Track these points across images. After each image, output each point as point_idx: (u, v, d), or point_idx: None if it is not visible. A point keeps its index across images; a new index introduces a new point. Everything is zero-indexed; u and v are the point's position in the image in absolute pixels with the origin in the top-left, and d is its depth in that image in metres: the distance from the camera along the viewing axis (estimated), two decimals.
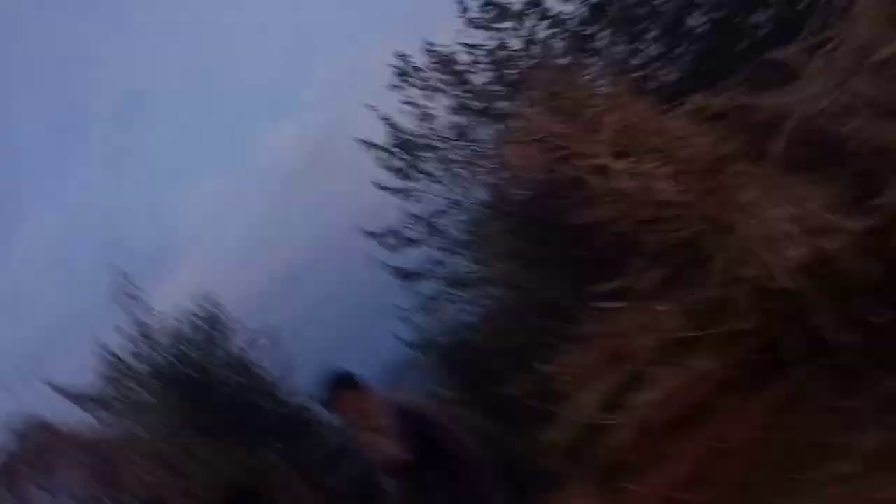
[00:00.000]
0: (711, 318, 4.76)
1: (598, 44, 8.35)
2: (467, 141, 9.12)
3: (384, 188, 9.58)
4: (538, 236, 7.13)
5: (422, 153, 9.44)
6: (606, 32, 8.32)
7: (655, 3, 8.20)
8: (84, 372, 10.15)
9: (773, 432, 4.46)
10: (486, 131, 8.83)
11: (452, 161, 9.21)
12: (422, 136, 9.42)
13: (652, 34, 8.18)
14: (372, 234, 9.70)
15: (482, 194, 8.42)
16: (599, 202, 5.61)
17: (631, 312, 5.54)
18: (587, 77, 6.46)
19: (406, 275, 9.94)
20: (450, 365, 10.78)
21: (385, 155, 9.55)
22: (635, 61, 8.23)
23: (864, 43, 4.62)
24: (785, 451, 4.30)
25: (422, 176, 9.48)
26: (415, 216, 9.65)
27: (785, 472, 4.17)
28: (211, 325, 11.58)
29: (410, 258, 9.83)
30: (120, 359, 10.57)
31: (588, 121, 5.70)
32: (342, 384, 3.74)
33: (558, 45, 8.49)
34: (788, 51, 5.13)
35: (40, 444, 7.52)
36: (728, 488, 4.42)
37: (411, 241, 9.75)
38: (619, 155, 5.62)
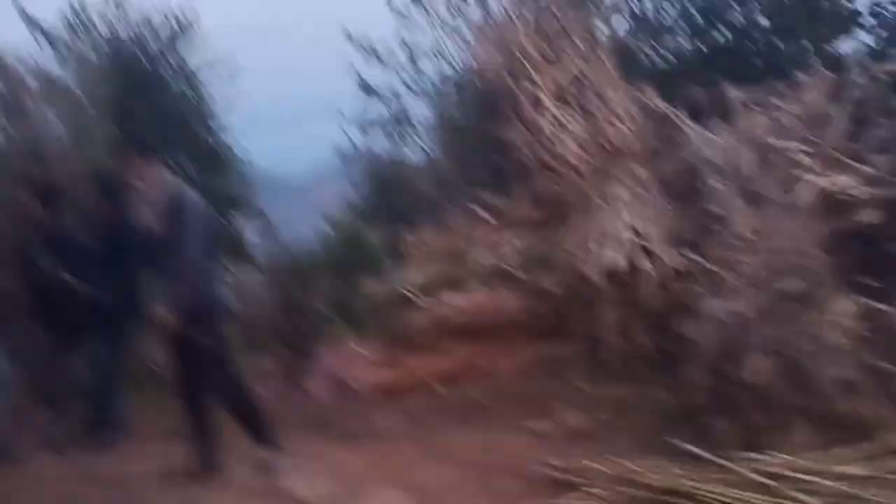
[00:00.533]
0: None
1: None
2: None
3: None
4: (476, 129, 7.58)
5: None
6: None
7: None
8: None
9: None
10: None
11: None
12: None
13: None
14: (356, 41, 9.88)
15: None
16: (518, 125, 5.98)
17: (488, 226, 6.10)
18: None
19: (367, 88, 10.24)
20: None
21: None
22: None
23: None
24: None
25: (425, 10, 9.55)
26: (402, 41, 9.81)
27: None
28: (180, 28, 11.75)
29: (379, 77, 10.12)
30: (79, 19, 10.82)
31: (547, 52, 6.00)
32: (145, 151, 4.51)
33: None
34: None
35: None
36: None
37: (385, 63, 9.98)
38: (557, 96, 5.96)
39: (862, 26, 8.07)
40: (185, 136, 12.58)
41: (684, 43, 8.14)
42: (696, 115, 5.75)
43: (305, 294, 9.17)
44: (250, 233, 13.38)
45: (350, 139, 10.76)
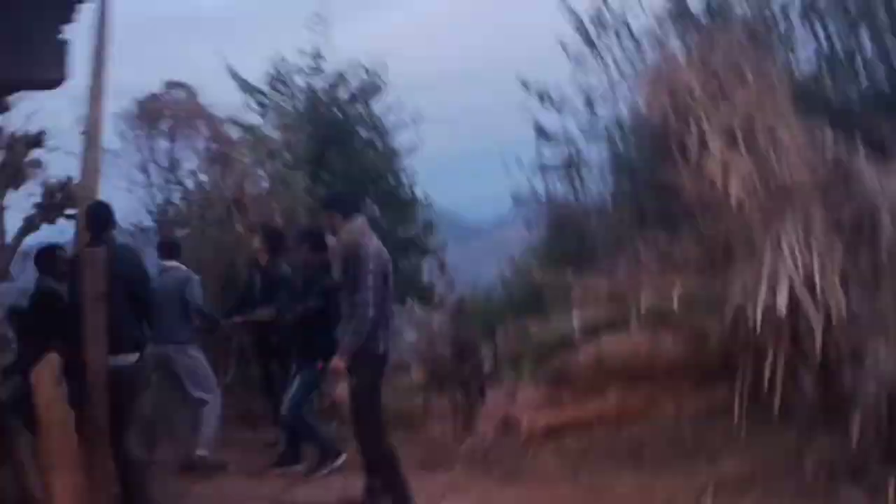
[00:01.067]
0: None
1: None
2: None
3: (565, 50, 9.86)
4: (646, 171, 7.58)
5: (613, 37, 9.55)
6: None
7: None
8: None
9: None
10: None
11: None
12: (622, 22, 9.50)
13: None
14: (531, 85, 10.11)
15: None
16: (685, 167, 5.93)
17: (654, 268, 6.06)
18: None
19: (543, 133, 10.42)
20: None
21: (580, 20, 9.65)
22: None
23: None
24: None
25: (603, 59, 9.65)
26: (577, 84, 9.92)
27: None
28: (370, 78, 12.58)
29: (555, 120, 10.26)
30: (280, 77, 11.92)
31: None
32: (345, 207, 5.06)
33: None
34: None
35: (186, 107, 8.82)
36: None
37: (560, 108, 10.13)
38: (726, 136, 5.85)
39: None
40: (374, 183, 13.40)
41: (868, 78, 7.69)
42: (878, 151, 5.48)
43: (481, 334, 9.41)
44: (433, 275, 13.90)
45: (529, 182, 11.01)
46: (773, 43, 7.55)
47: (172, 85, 8.87)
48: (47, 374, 2.85)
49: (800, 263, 4.91)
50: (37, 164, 11.75)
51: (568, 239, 10.36)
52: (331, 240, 5.57)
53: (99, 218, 4.99)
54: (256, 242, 6.96)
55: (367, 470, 4.96)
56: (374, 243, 4.84)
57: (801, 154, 5.69)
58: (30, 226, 11.55)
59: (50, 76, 3.46)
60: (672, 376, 5.66)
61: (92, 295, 4.40)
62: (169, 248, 7.05)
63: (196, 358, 6.61)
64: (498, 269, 15.11)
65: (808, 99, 6.70)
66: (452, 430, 6.82)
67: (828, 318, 4.63)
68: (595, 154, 10.01)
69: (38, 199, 11.23)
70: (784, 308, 4.75)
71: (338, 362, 4.88)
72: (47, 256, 5.73)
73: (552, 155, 10.71)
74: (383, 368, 4.98)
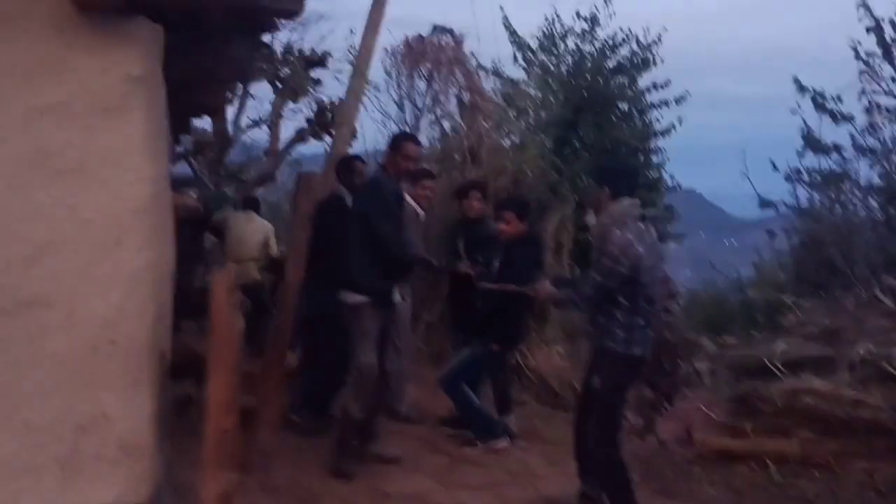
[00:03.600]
0: None
1: None
2: None
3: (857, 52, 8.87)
4: None
5: None
6: None
7: None
8: None
9: None
10: None
11: None
12: None
13: None
14: (813, 91, 9.27)
15: None
16: None
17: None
18: None
19: (812, 140, 9.54)
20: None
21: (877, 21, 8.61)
22: None
23: None
24: None
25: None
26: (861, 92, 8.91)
27: None
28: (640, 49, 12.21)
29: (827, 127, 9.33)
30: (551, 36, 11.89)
31: None
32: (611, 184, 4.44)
33: None
34: None
35: (448, 54, 9.07)
36: None
37: (838, 116, 9.20)
38: None
39: None
40: (620, 156, 13.07)
41: None
42: None
43: (696, 336, 9.00)
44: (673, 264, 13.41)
45: (793, 181, 10.15)
46: None
47: (440, 29, 9.12)
48: (224, 280, 3.09)
49: None
50: (316, 82, 12.81)
51: (815, 258, 9.53)
52: (591, 218, 4.75)
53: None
54: (473, 195, 6.39)
55: (587, 474, 4.60)
56: (629, 235, 4.15)
57: None
58: (300, 137, 12.70)
59: (285, 7, 3.70)
60: (872, 436, 5.09)
61: (300, 215, 4.79)
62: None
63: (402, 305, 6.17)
64: (737, 273, 14.32)
65: None
66: (630, 428, 6.60)
67: None
68: (865, 171, 9.11)
69: (310, 115, 12.31)
70: None
71: (545, 289, 4.73)
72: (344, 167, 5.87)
73: (818, 163, 9.91)
74: (634, 374, 4.46)
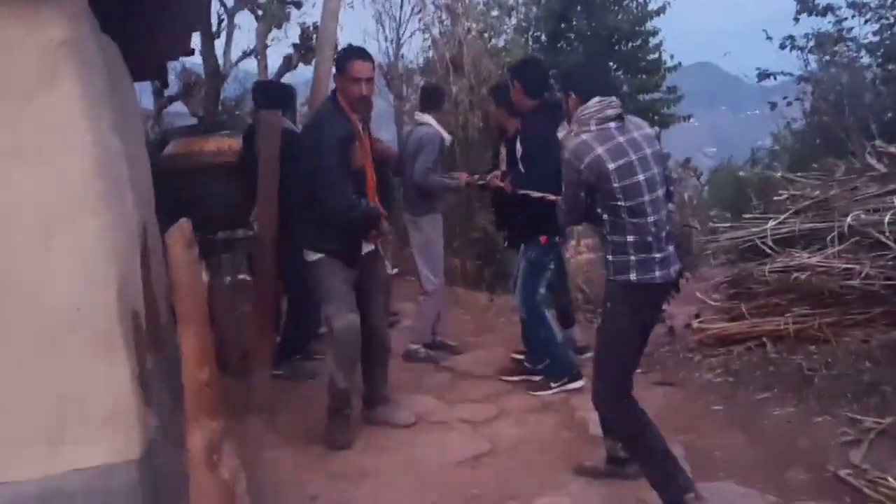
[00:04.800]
0: None
1: None
2: None
3: None
4: None
5: None
6: None
7: None
8: None
9: None
10: None
11: None
12: None
13: None
14: None
15: None
16: None
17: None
18: None
19: (808, 7, 9.19)
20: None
21: None
22: None
23: None
24: None
25: None
26: None
27: None
28: None
29: None
30: None
31: None
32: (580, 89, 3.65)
33: None
34: None
35: None
36: None
37: None
38: None
39: None
40: (618, 45, 12.77)
41: None
42: None
43: (694, 215, 8.94)
44: (674, 143, 13.22)
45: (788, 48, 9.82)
46: None
47: None
48: (180, 236, 3.10)
49: None
50: (297, 5, 12.53)
51: (817, 128, 9.34)
52: (561, 130, 4.37)
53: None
54: (493, 107, 5.74)
55: (605, 430, 3.88)
56: (584, 137, 3.49)
57: None
58: (288, 64, 12.52)
59: None
60: (866, 307, 5.09)
61: (265, 160, 4.70)
62: (424, 99, 6.29)
63: (427, 234, 6.00)
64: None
65: None
66: None
67: None
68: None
69: (295, 41, 12.09)
70: None
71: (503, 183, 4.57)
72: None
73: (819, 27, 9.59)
74: (636, 305, 3.51)
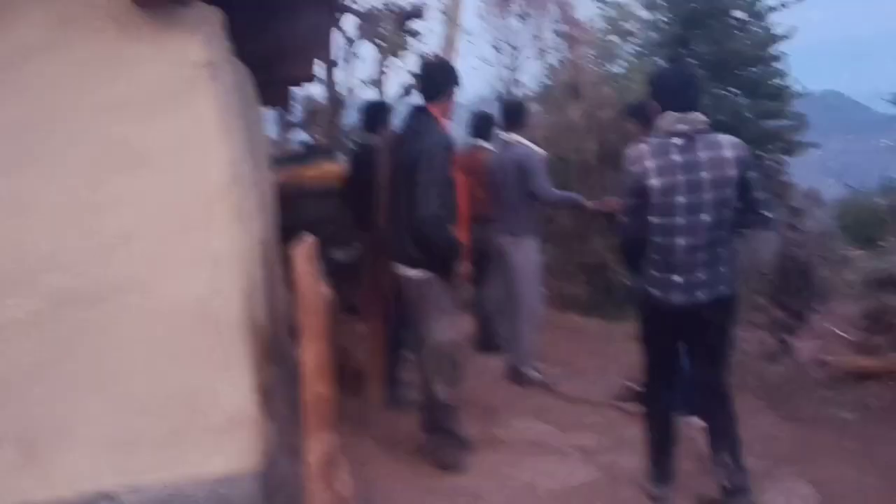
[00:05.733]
0: None
1: None
2: None
3: None
4: None
5: None
6: None
7: None
8: None
9: None
10: None
11: None
12: None
13: None
14: None
15: None
16: None
17: None
18: None
19: None
20: None
21: None
22: None
23: None
24: None
25: None
26: None
27: None
28: None
29: None
30: None
31: None
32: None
33: None
34: None
35: None
36: None
37: None
38: None
39: None
40: (740, 69, 12.39)
41: None
42: None
43: (822, 250, 8.51)
44: (798, 172, 12.71)
45: None
46: None
47: None
48: (303, 251, 3.18)
49: None
50: (414, 34, 12.83)
51: None
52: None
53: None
54: (630, 125, 5.43)
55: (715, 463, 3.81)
56: (643, 147, 3.53)
57: None
58: (406, 93, 12.80)
59: None
60: None
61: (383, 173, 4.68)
62: (510, 117, 6.16)
63: (528, 255, 5.86)
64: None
65: None
66: (761, 352, 6.36)
67: None
68: None
69: (413, 69, 12.35)
70: None
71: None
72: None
73: None
74: (666, 321, 3.60)
